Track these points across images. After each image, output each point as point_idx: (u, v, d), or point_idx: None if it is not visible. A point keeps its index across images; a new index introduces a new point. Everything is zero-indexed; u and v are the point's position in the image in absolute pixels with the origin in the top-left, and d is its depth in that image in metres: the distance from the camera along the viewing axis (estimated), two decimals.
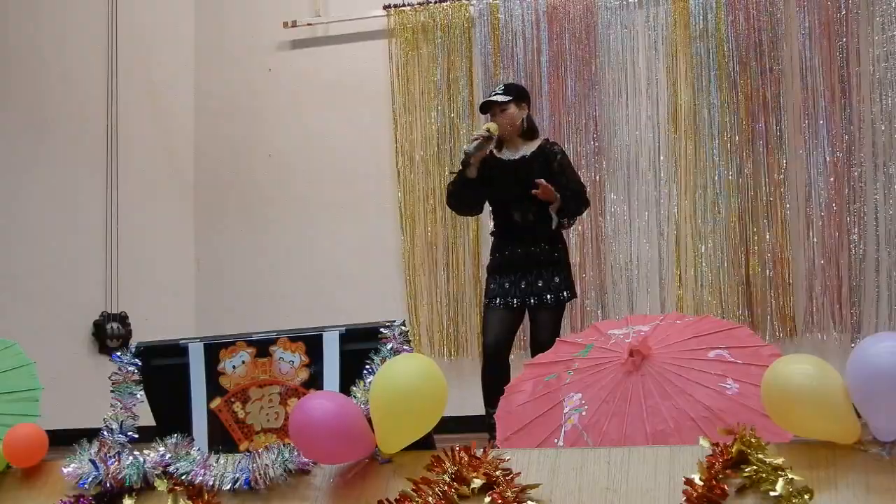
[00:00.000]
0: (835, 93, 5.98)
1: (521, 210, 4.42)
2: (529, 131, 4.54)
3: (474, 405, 4.67)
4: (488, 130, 4.39)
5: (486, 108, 4.50)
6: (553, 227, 4.43)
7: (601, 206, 6.33)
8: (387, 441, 2.62)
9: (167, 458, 2.86)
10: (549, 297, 4.38)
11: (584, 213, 4.92)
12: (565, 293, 4.43)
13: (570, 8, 6.50)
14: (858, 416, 2.26)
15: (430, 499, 2.44)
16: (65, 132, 6.39)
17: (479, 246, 6.51)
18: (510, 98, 4.46)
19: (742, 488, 2.22)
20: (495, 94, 4.52)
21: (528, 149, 4.50)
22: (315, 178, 7.04)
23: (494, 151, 4.52)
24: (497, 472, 2.44)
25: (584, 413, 2.84)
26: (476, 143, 4.35)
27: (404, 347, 2.91)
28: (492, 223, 4.66)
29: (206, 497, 2.75)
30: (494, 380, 4.19)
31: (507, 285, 4.43)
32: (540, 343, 4.31)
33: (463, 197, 4.53)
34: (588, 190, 5.02)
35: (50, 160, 6.25)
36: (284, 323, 4.29)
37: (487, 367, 4.49)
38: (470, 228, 6.53)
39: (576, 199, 4.46)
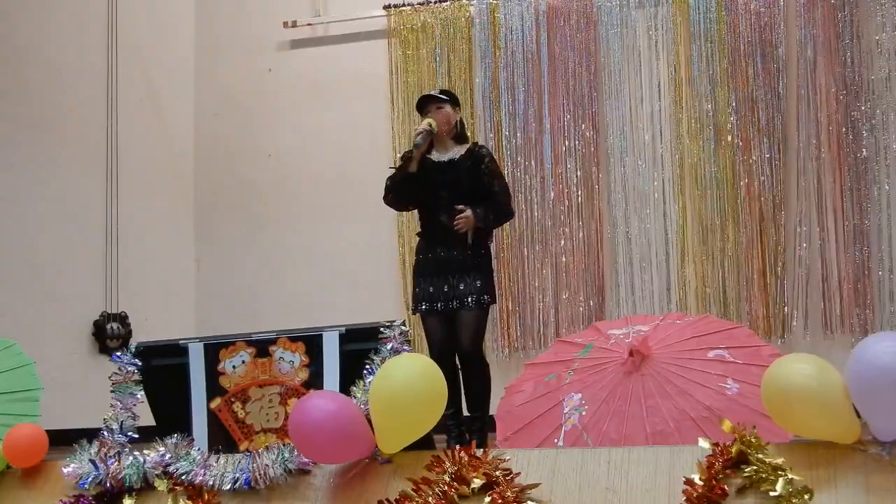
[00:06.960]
0: (836, 89, 5.98)
1: (449, 212, 4.45)
2: (460, 135, 4.63)
3: None
4: (430, 125, 4.47)
5: (424, 104, 4.59)
6: (470, 241, 4.45)
7: (601, 205, 6.34)
8: (387, 441, 2.62)
9: (167, 458, 2.86)
10: (470, 299, 4.37)
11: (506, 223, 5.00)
12: (485, 297, 4.43)
13: (569, 8, 6.50)
14: (858, 416, 2.26)
15: (430, 499, 2.44)
16: (65, 132, 6.38)
17: None
18: (447, 98, 4.59)
19: (742, 488, 2.22)
20: (433, 92, 4.66)
21: (458, 152, 4.57)
22: (315, 178, 7.04)
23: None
24: (497, 472, 2.44)
25: (584, 413, 2.84)
26: (421, 135, 4.44)
27: (404, 347, 2.91)
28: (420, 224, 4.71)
29: (206, 497, 2.75)
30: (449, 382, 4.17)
31: (431, 289, 4.44)
32: (462, 346, 4.33)
33: (402, 192, 4.57)
34: (513, 200, 5.01)
35: (50, 160, 6.24)
36: (284, 323, 4.27)
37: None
38: None
39: (496, 210, 4.47)
